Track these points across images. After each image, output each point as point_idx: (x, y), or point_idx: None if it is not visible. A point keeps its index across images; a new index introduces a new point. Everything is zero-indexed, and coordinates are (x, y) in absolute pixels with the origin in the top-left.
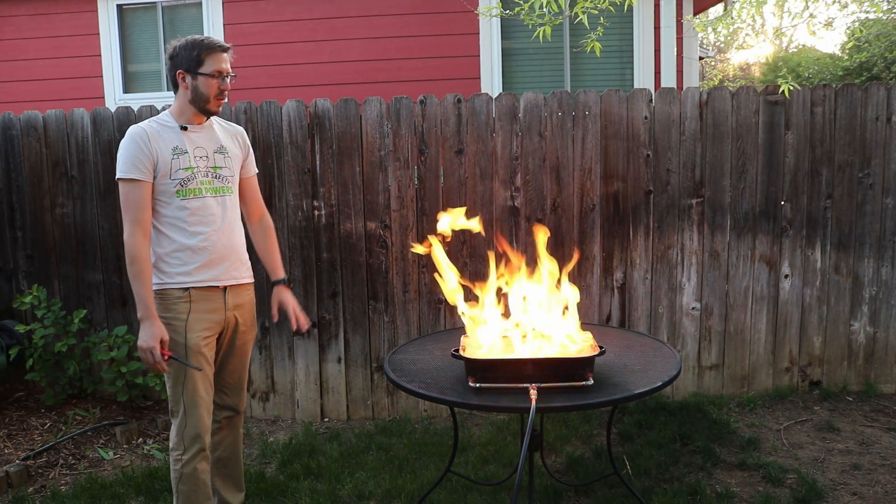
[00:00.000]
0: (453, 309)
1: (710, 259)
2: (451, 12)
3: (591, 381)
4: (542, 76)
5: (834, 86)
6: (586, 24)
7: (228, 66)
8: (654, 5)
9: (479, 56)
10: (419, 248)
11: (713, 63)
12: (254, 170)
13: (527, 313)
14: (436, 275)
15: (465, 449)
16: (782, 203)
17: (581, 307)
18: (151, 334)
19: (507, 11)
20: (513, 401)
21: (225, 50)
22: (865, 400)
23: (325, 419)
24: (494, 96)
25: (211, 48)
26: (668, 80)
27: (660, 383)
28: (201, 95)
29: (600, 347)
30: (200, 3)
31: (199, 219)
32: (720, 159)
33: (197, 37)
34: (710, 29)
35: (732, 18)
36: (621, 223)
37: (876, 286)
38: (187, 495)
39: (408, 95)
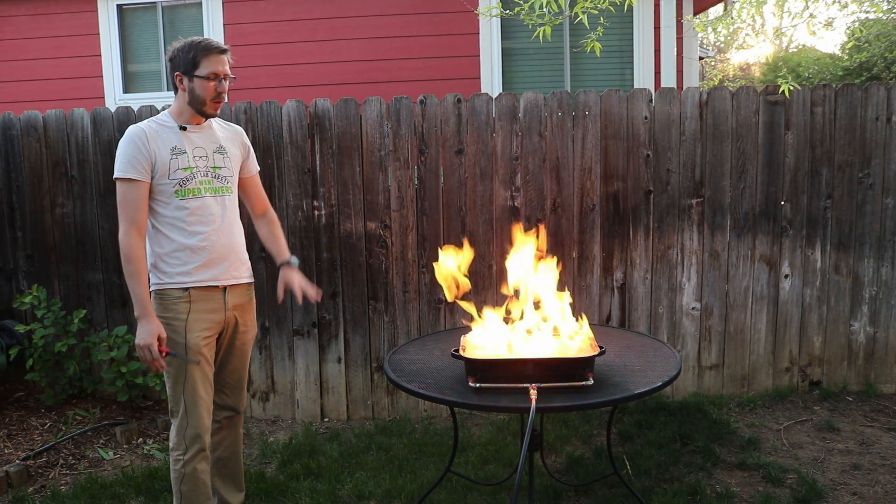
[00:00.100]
0: (453, 309)
1: (710, 259)
2: (451, 12)
3: (591, 381)
4: (542, 76)
5: (834, 86)
6: (586, 24)
7: (226, 68)
8: (654, 5)
9: (479, 56)
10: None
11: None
12: (255, 168)
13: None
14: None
15: (465, 449)
16: (782, 203)
17: (581, 307)
18: (149, 331)
19: (507, 11)
20: (513, 401)
21: (222, 52)
22: (865, 400)
23: (325, 419)
24: (494, 96)
25: (207, 50)
26: (668, 80)
27: (660, 383)
28: (198, 98)
29: (600, 347)
30: (200, 3)
31: (198, 219)
32: (720, 159)
33: (195, 38)
34: (710, 29)
35: (732, 18)
36: (621, 223)
37: (876, 286)
38: (187, 495)
39: (408, 95)
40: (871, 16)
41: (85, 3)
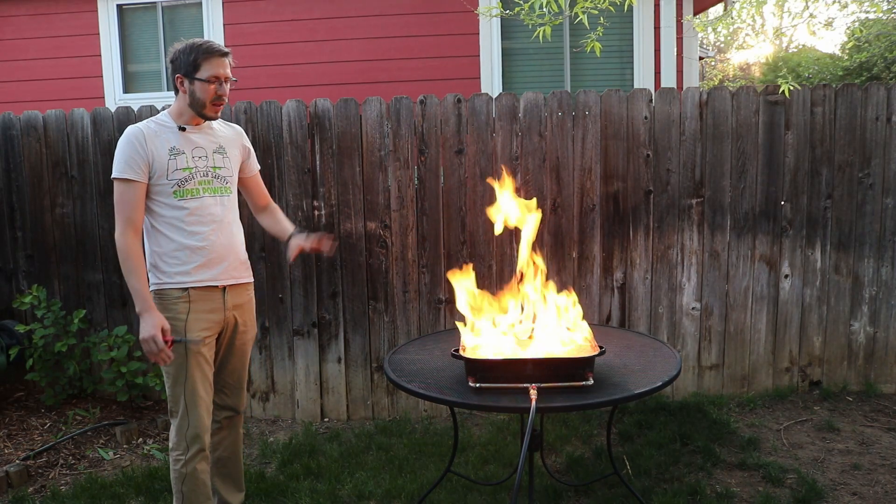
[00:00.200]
0: (453, 309)
1: (710, 259)
2: (451, 12)
3: (591, 381)
4: (542, 76)
5: (834, 86)
6: (586, 24)
7: (227, 71)
8: (654, 5)
9: (479, 56)
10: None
11: (713, 63)
12: (256, 167)
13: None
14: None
15: (465, 449)
16: (782, 203)
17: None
18: (152, 324)
19: (507, 11)
20: (513, 401)
21: (224, 55)
22: (865, 400)
23: (325, 419)
24: (494, 96)
25: (208, 53)
26: (668, 80)
27: (660, 383)
28: (198, 100)
29: (600, 347)
30: (200, 3)
31: (197, 219)
32: (720, 159)
33: (196, 41)
34: (710, 29)
35: (732, 18)
36: (621, 223)
37: (876, 286)
38: (187, 495)
39: (408, 95)
40: (871, 16)
41: (85, 3)
